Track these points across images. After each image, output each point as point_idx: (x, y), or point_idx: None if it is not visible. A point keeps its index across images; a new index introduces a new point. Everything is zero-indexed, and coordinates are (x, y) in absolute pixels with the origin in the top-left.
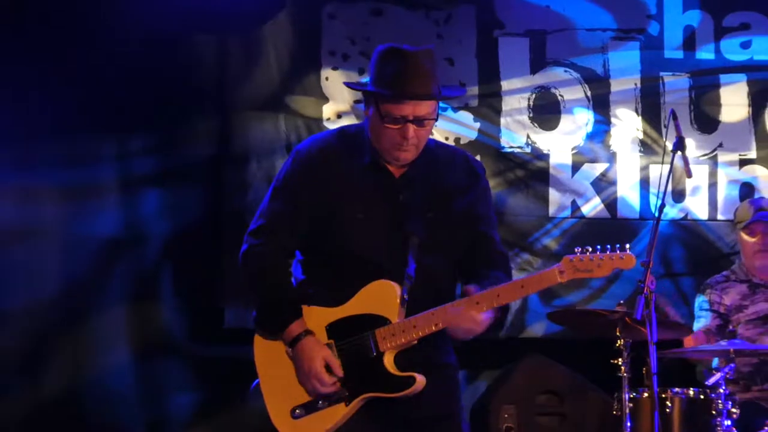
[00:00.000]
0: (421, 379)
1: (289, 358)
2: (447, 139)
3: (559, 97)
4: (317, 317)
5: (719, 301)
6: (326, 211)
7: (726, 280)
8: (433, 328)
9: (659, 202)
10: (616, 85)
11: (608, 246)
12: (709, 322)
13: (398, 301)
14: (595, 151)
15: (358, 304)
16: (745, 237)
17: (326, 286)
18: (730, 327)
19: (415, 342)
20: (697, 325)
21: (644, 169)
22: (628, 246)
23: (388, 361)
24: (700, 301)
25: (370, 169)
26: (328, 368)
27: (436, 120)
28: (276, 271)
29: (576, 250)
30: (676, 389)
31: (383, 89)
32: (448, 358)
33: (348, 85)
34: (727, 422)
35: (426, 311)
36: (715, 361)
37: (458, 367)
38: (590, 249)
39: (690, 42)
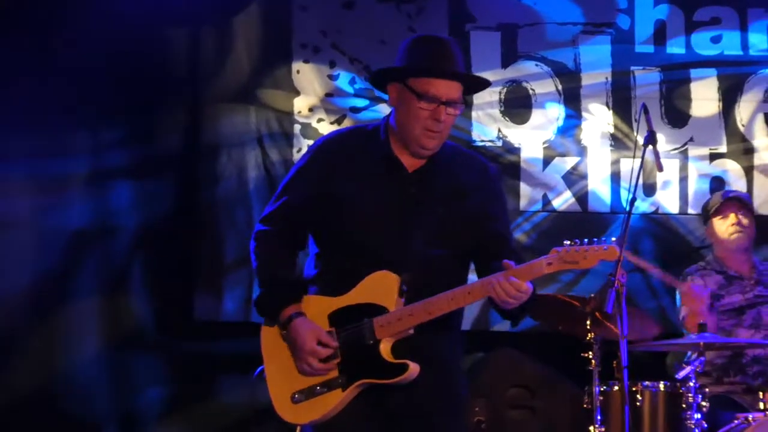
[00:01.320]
0: (414, 367)
1: (284, 340)
2: None
3: (531, 91)
4: (320, 306)
5: (704, 285)
6: (336, 200)
7: (703, 269)
8: (428, 316)
9: (630, 196)
10: (587, 79)
11: (594, 239)
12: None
13: (396, 290)
14: (566, 145)
15: (358, 294)
16: (718, 223)
17: (333, 276)
18: (702, 320)
19: (411, 331)
20: (686, 309)
21: (615, 163)
22: (613, 238)
23: (385, 348)
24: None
25: (384, 162)
26: (321, 344)
27: (463, 108)
28: (278, 256)
29: (564, 242)
30: (647, 383)
31: (424, 67)
32: (450, 351)
33: (381, 69)
34: (697, 415)
35: (423, 300)
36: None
37: (461, 362)
38: (577, 241)
39: (661, 36)
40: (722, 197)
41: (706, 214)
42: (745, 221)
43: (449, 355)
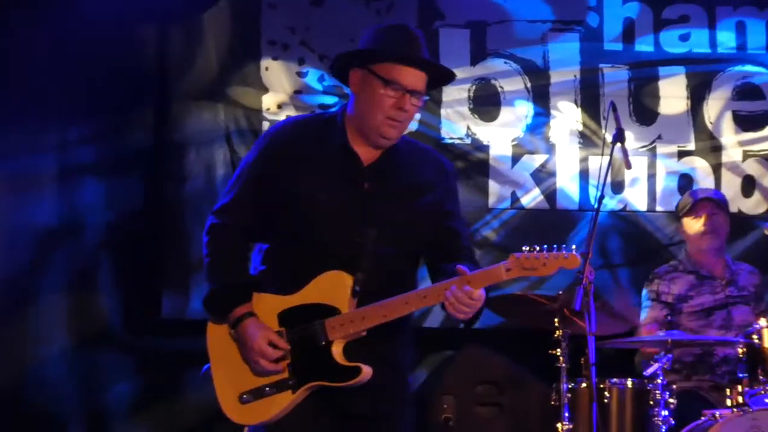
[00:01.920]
0: (367, 370)
1: (233, 340)
2: None
3: (499, 89)
4: (269, 305)
5: (667, 291)
6: (290, 191)
7: (674, 270)
8: (383, 319)
9: (598, 194)
10: (556, 77)
11: (554, 246)
12: (656, 313)
13: (349, 291)
14: (535, 143)
15: (309, 294)
16: (690, 222)
17: (285, 273)
18: (670, 317)
19: (364, 333)
20: (643, 314)
21: (584, 160)
22: (574, 246)
23: (337, 351)
24: (647, 291)
25: (340, 154)
26: (273, 345)
27: (426, 99)
28: (231, 253)
29: (523, 248)
30: (614, 380)
31: (394, 52)
32: (401, 355)
33: (347, 52)
34: (665, 412)
35: (376, 303)
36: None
37: (411, 365)
38: (537, 248)
39: (629, 34)
40: (693, 197)
41: (678, 214)
42: (717, 222)
43: (399, 357)
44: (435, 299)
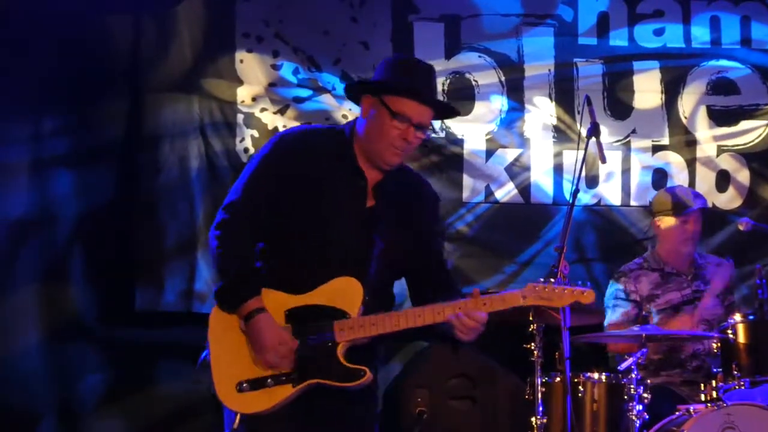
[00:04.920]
0: (369, 375)
1: (242, 332)
2: None
3: (474, 83)
4: (276, 301)
5: (635, 290)
6: (301, 200)
7: (639, 268)
8: (393, 328)
9: (573, 188)
10: (530, 71)
11: (579, 282)
12: (630, 310)
13: (360, 298)
14: (509, 137)
15: (320, 295)
16: (673, 225)
17: (287, 274)
18: (643, 313)
19: (366, 340)
20: (614, 314)
21: (558, 155)
22: (588, 283)
23: (341, 352)
24: (615, 289)
25: (349, 170)
26: (282, 343)
27: (430, 134)
28: (241, 247)
29: (539, 280)
30: (589, 374)
31: (404, 87)
32: (374, 357)
33: (359, 82)
34: (639, 407)
35: (385, 313)
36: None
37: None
38: (552, 280)
39: (604, 28)
40: (670, 201)
41: (653, 210)
42: (698, 231)
43: (374, 359)
44: (446, 317)
